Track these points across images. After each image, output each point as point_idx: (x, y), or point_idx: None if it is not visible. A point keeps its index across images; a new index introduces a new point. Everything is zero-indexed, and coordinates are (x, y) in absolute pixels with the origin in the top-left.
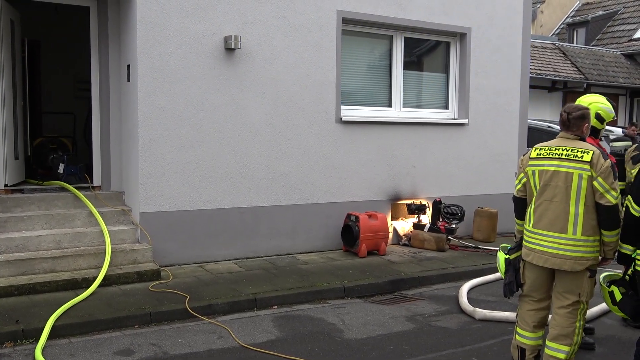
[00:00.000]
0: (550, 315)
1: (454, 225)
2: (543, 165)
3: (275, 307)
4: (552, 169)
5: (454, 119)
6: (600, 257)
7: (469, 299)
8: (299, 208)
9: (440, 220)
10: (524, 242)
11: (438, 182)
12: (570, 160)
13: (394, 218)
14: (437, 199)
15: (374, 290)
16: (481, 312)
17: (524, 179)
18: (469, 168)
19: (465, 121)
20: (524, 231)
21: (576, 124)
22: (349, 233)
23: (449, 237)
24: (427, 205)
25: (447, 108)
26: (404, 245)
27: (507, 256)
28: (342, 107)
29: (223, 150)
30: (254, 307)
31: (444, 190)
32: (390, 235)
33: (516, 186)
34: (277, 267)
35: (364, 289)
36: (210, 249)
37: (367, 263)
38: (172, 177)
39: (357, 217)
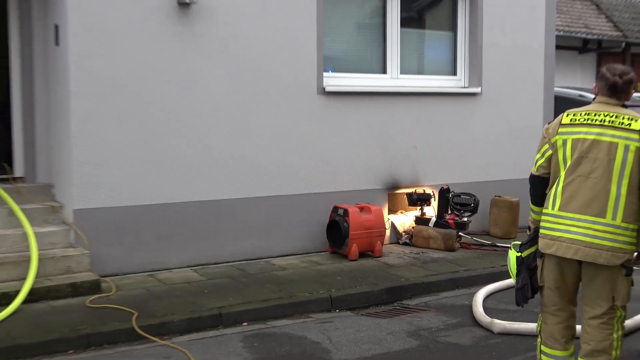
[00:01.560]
0: (578, 326)
1: (465, 219)
2: (579, 133)
3: (245, 323)
4: (592, 137)
5: (464, 87)
6: (635, 253)
7: (485, 308)
8: (273, 201)
9: (449, 212)
10: (544, 231)
11: (445, 165)
12: (615, 127)
13: (391, 211)
14: (445, 187)
15: (368, 301)
16: (500, 324)
17: (549, 152)
18: (483, 147)
19: (477, 90)
20: (545, 218)
21: (626, 89)
22: (336, 231)
23: (460, 233)
24: (432, 194)
25: (455, 74)
26: (405, 244)
27: (519, 254)
28: (325, 74)
29: (177, 129)
30: (218, 324)
31: (453, 176)
32: (388, 232)
33: (536, 162)
34: (248, 275)
35: (355, 299)
36: (163, 253)
37: (359, 267)
38: (113, 164)
39: (345, 211)
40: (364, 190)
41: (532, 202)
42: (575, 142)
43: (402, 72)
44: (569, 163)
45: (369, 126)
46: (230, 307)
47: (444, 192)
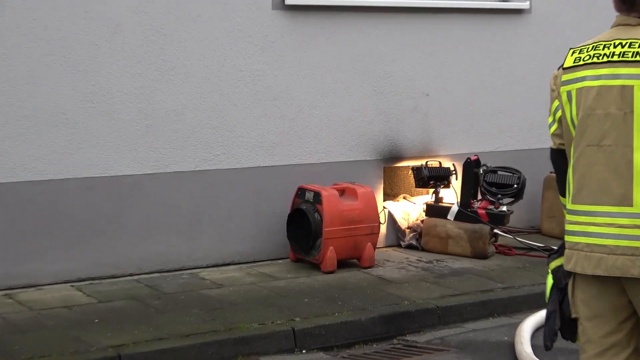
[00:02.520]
0: None
1: (504, 208)
2: (584, 79)
3: None
4: (598, 83)
5: (503, 0)
6: None
7: (535, 347)
8: (203, 178)
9: (479, 198)
10: (565, 237)
11: (474, 124)
12: (628, 62)
13: (389, 196)
14: (473, 158)
15: (352, 336)
16: None
17: (559, 112)
18: (532, 97)
19: (524, 4)
20: (565, 216)
21: None
22: (302, 226)
23: (496, 230)
24: (452, 169)
25: None
26: (410, 247)
27: (548, 267)
28: None
29: (51, 62)
30: None
31: (485, 141)
32: (383, 228)
33: (550, 127)
34: (163, 295)
35: (332, 334)
36: (29, 261)
37: (339, 283)
38: None
39: (317, 195)
40: (346, 162)
41: (559, 191)
42: (579, 93)
43: None
44: (576, 125)
45: (354, 61)
46: (134, 345)
47: (471, 167)
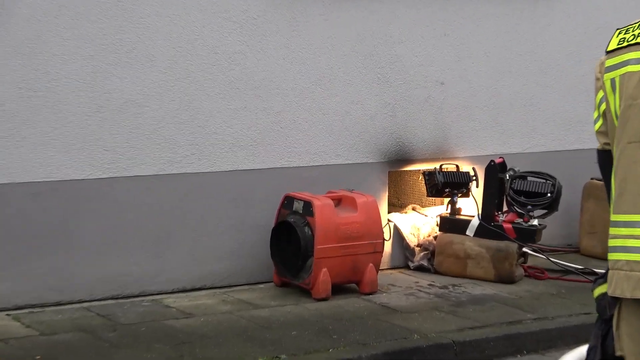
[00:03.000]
0: None
1: (535, 222)
2: (626, 62)
3: None
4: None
5: None
6: None
7: None
8: (168, 184)
9: (505, 209)
10: (608, 254)
11: (497, 120)
12: None
13: (394, 206)
14: (497, 161)
15: None
16: None
17: (603, 104)
18: (569, 87)
19: None
20: (609, 230)
21: None
22: (289, 243)
23: (525, 248)
24: (472, 174)
25: None
26: (420, 269)
27: (593, 295)
28: None
29: None
30: None
31: (512, 140)
32: (388, 246)
33: (595, 124)
34: (119, 326)
35: None
36: None
37: (334, 312)
38: None
39: (307, 205)
40: (343, 165)
41: (608, 198)
42: (622, 80)
43: None
44: (618, 119)
45: (354, 42)
46: None
47: (494, 171)
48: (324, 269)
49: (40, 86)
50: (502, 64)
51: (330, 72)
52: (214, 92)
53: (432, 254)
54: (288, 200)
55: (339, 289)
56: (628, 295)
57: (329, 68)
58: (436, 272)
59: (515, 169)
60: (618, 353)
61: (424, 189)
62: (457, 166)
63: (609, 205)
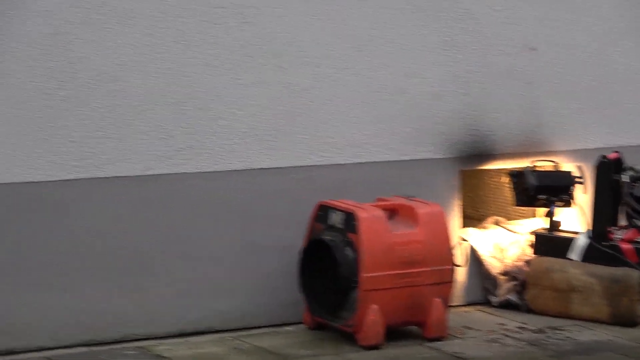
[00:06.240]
0: None
1: None
2: None
3: None
4: None
5: None
6: None
7: None
8: (155, 187)
9: (622, 223)
10: None
11: (611, 100)
12: None
13: (469, 219)
14: (611, 156)
15: None
16: None
17: None
18: None
19: None
20: None
21: None
22: (325, 269)
23: None
24: (576, 175)
25: None
26: (506, 305)
27: None
28: None
29: None
30: None
31: (630, 130)
32: (461, 273)
33: None
34: None
35: None
36: None
37: None
38: None
39: (349, 217)
40: (398, 162)
41: None
42: None
43: None
44: None
45: None
46: None
47: (608, 170)
48: (374, 306)
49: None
50: (617, 23)
51: (378, 34)
52: (218, 61)
53: (523, 285)
54: (323, 211)
55: (394, 333)
56: None
57: (376, 28)
58: (529, 311)
59: (637, 168)
60: None
61: (509, 195)
62: (555, 164)
63: None
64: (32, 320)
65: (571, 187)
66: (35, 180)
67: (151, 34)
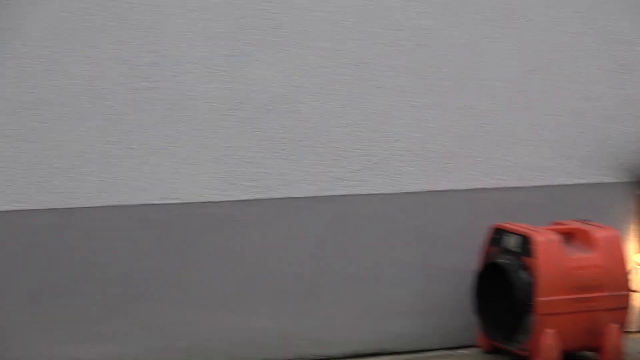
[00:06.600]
0: None
1: None
2: None
3: None
4: None
5: None
6: None
7: None
8: (329, 208)
9: None
10: None
11: None
12: None
13: None
14: None
15: None
16: None
17: None
18: None
19: None
20: None
21: None
22: (500, 293)
23: None
24: None
25: None
26: None
27: None
28: None
29: None
30: None
31: None
32: (639, 298)
33: None
34: None
35: None
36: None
37: None
38: None
39: (525, 240)
40: (574, 186)
41: None
42: None
43: None
44: None
45: (582, 9)
46: None
47: None
48: (550, 330)
49: (158, 74)
50: None
51: (556, 57)
52: (394, 82)
53: None
54: (498, 234)
55: (569, 359)
56: None
57: (554, 51)
58: None
59: None
60: None
61: None
62: None
63: None
64: (210, 340)
65: None
66: (210, 200)
67: (327, 56)
